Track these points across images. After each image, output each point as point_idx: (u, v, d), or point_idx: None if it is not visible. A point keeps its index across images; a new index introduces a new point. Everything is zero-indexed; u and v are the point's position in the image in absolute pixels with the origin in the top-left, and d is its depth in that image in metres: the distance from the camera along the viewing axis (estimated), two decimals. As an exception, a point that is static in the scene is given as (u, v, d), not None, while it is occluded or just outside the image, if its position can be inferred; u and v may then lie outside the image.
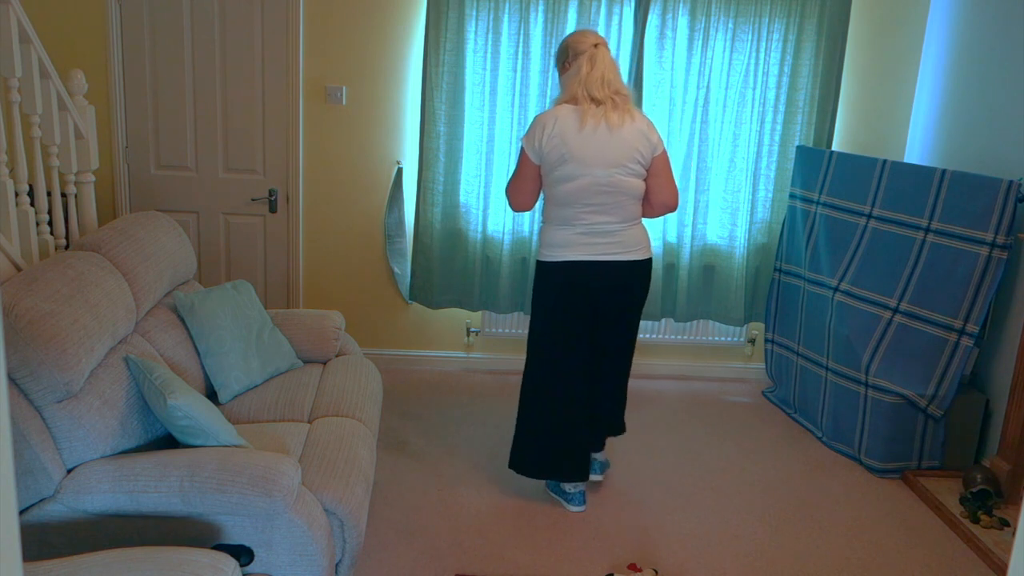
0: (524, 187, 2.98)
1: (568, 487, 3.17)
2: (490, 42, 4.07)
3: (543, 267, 3.01)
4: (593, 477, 3.33)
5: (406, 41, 4.16)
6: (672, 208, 3.02)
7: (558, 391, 3.07)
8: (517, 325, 4.49)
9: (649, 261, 3.04)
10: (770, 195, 4.34)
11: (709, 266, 4.43)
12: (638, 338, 4.50)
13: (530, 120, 3.97)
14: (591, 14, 4.07)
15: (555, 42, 4.05)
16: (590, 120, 2.85)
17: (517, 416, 3.17)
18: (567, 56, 3.00)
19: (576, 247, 2.94)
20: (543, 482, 3.33)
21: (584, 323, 3.04)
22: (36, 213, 2.95)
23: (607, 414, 3.30)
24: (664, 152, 2.97)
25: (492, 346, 4.57)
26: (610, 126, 2.86)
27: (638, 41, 4.09)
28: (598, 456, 3.37)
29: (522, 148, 2.95)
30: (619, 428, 3.37)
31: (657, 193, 2.98)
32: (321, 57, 4.16)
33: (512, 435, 3.41)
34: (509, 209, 4.19)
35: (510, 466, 3.19)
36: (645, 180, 2.98)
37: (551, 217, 2.98)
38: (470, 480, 3.35)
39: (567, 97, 2.93)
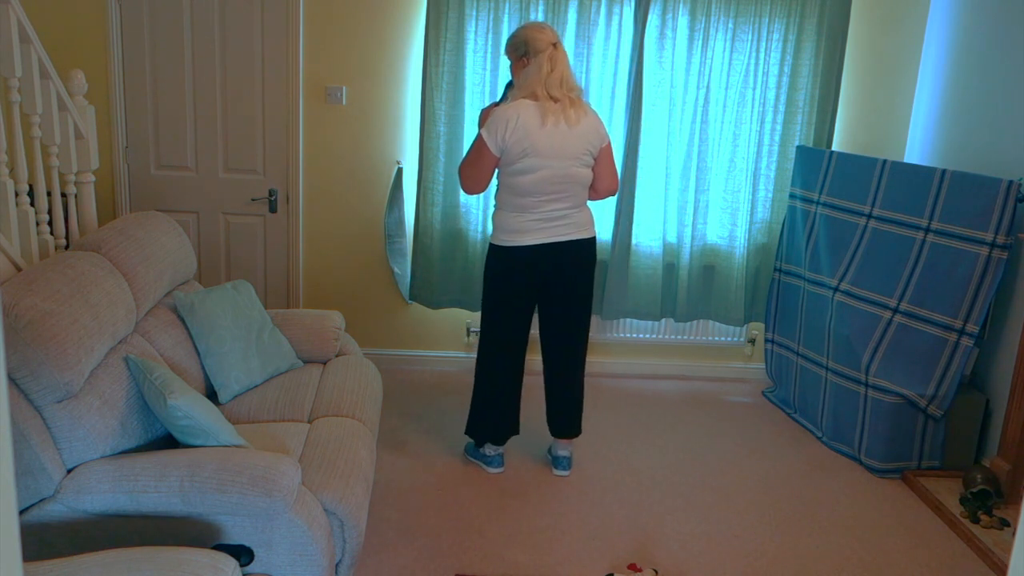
0: (481, 175, 3.14)
1: (489, 450, 3.41)
2: (490, 42, 4.07)
3: (497, 251, 3.20)
4: (560, 472, 3.45)
5: (406, 41, 4.16)
6: (614, 192, 3.30)
7: (499, 363, 3.32)
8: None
9: (594, 240, 3.27)
10: (770, 195, 4.34)
11: (709, 266, 4.43)
12: (639, 337, 4.54)
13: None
14: (591, 14, 4.07)
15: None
16: (551, 117, 3.04)
17: (473, 386, 3.43)
18: (525, 51, 3.12)
19: (531, 233, 3.14)
20: (539, 480, 3.34)
21: (530, 303, 3.28)
22: (36, 213, 2.95)
23: (562, 407, 3.39)
24: (609, 143, 3.22)
25: (492, 346, 4.56)
26: (568, 123, 3.06)
27: (638, 41, 4.09)
28: (563, 452, 3.44)
29: (481, 139, 3.07)
30: (575, 429, 3.44)
31: (602, 180, 3.23)
32: (321, 57, 4.16)
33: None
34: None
35: (466, 432, 3.43)
36: (592, 168, 3.20)
37: (506, 204, 3.16)
38: (470, 480, 3.35)
39: (526, 93, 3.08)
